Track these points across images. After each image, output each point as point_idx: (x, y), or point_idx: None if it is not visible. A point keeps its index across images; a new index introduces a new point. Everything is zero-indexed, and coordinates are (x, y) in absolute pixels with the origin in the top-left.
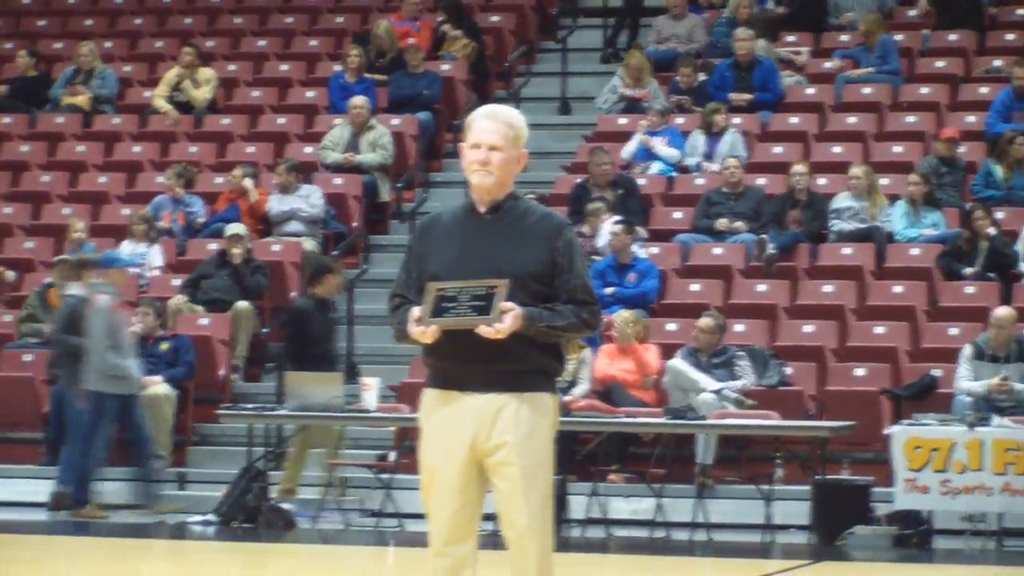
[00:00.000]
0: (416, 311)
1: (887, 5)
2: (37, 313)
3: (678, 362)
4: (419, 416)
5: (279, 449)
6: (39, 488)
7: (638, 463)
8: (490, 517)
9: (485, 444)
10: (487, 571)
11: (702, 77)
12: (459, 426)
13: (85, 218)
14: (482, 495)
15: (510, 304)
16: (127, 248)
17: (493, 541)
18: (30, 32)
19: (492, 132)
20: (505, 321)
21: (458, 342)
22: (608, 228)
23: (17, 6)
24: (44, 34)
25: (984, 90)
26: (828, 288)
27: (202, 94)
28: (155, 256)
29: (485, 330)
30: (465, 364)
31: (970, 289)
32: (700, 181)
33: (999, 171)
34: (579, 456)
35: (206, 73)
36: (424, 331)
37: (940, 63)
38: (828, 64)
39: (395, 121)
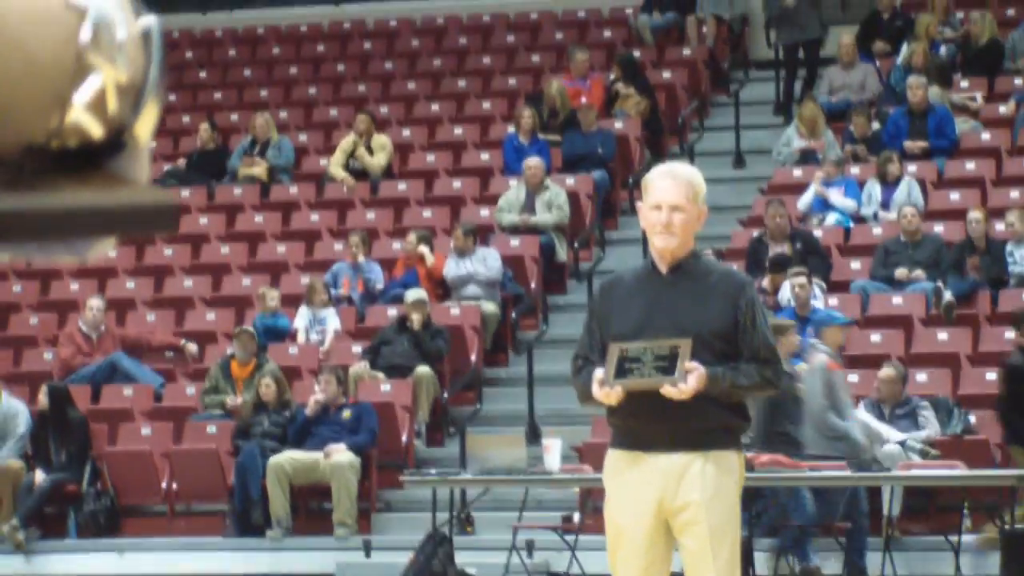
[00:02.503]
0: (599, 372)
1: None
2: (220, 385)
3: (861, 413)
4: (604, 477)
5: (464, 513)
6: (225, 559)
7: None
8: None
9: (672, 503)
10: None
11: (876, 126)
12: (645, 486)
13: (266, 287)
14: (669, 555)
15: (694, 364)
16: (304, 314)
17: None
18: (207, 105)
19: (673, 192)
20: (689, 381)
21: (642, 402)
22: (790, 283)
23: (194, 79)
24: (220, 106)
25: None
26: (1010, 334)
27: (377, 160)
28: (334, 322)
29: (669, 390)
30: (650, 424)
31: None
32: (877, 231)
33: None
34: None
35: (381, 139)
36: (608, 392)
37: None
38: (1003, 108)
39: (570, 180)
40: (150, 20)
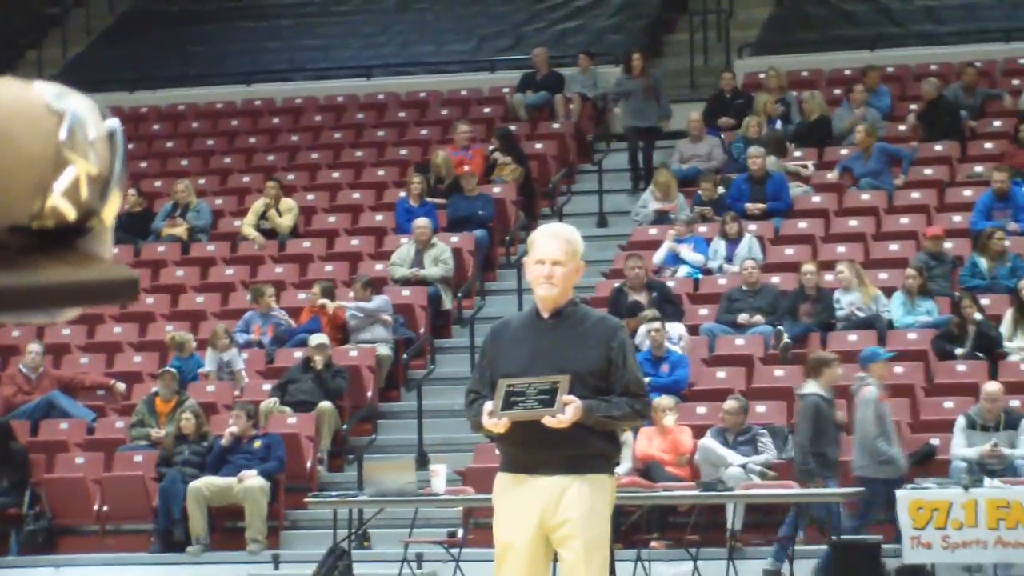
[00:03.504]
0: (489, 405)
1: (879, 124)
2: (145, 419)
3: (708, 441)
4: (493, 496)
5: (361, 530)
6: (150, 572)
7: (676, 531)
8: None
9: (552, 520)
10: None
11: (721, 190)
12: (529, 505)
13: (181, 333)
14: (548, 566)
15: (571, 397)
16: (212, 358)
17: None
18: (133, 173)
19: (554, 248)
20: (567, 412)
21: (526, 431)
22: (645, 328)
23: None
24: (146, 174)
25: (968, 192)
26: (838, 371)
27: (285, 221)
28: (238, 362)
29: (549, 420)
30: (533, 450)
31: (961, 367)
32: (722, 281)
33: (983, 263)
34: (624, 526)
35: (288, 203)
36: (496, 423)
37: (928, 170)
38: (831, 175)
39: (454, 238)
40: (114, 122)
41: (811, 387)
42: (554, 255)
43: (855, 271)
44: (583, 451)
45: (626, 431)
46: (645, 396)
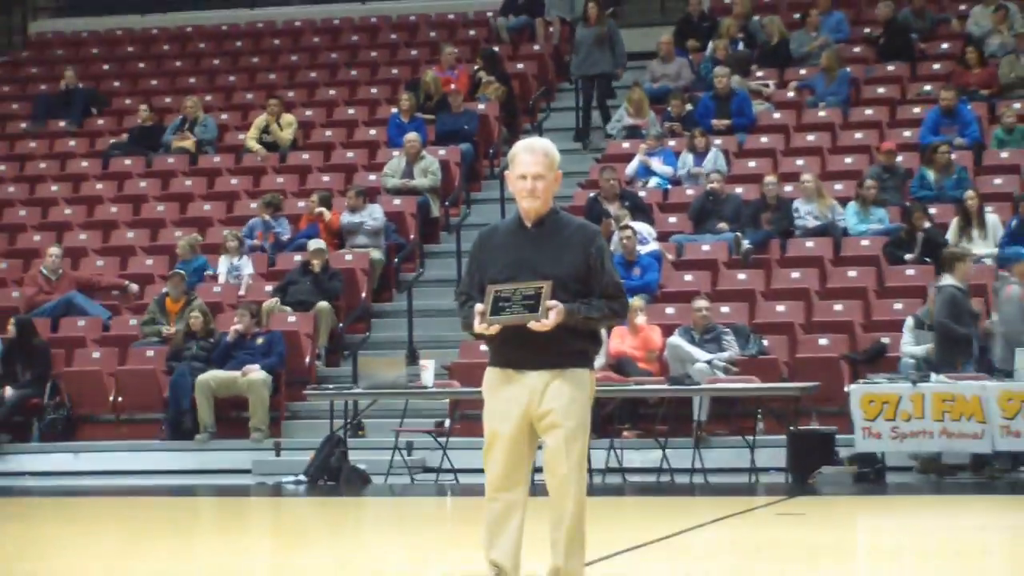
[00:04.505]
0: (479, 307)
1: (835, 47)
2: (156, 317)
3: (676, 339)
4: (483, 390)
5: (356, 420)
6: (161, 458)
7: (646, 422)
8: (538, 471)
9: (536, 410)
10: (533, 513)
11: (689, 107)
12: (516, 397)
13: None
14: (532, 452)
15: (554, 302)
16: (223, 262)
17: (535, 490)
18: (145, 90)
19: (534, 163)
20: (551, 316)
21: (514, 332)
22: (617, 235)
23: (134, 70)
24: (156, 91)
25: (917, 110)
26: (795, 275)
27: (285, 135)
28: (247, 267)
29: (534, 325)
30: (520, 349)
31: (911, 272)
32: (690, 191)
33: (931, 175)
34: (598, 419)
35: (288, 118)
36: (487, 328)
37: (881, 89)
38: (790, 93)
39: (442, 152)
40: None
41: (947, 280)
42: (535, 170)
43: (816, 183)
44: (565, 349)
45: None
46: (622, 297)
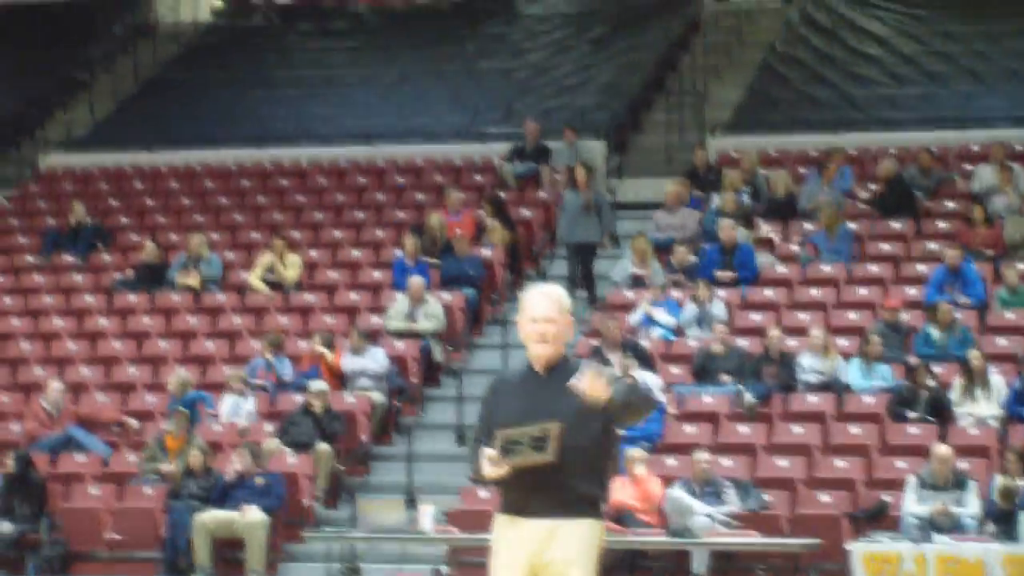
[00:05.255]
0: (488, 451)
1: (842, 200)
2: (156, 455)
3: (676, 491)
4: (492, 536)
5: (353, 564)
6: None
7: (645, 574)
8: None
9: (541, 560)
10: None
11: (693, 258)
12: (521, 544)
13: (193, 376)
14: None
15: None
16: (228, 401)
17: None
18: (151, 226)
19: (546, 307)
20: (585, 380)
21: (521, 477)
22: None
23: (141, 206)
24: (163, 228)
25: (922, 267)
26: (798, 429)
27: (290, 275)
28: (249, 406)
29: (580, 386)
30: (526, 494)
31: (914, 430)
32: (693, 343)
33: (935, 333)
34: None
35: (293, 258)
36: (496, 470)
37: (885, 246)
38: (795, 248)
39: (445, 296)
40: None
41: None
42: (547, 314)
43: (825, 338)
44: (573, 495)
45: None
46: (645, 396)
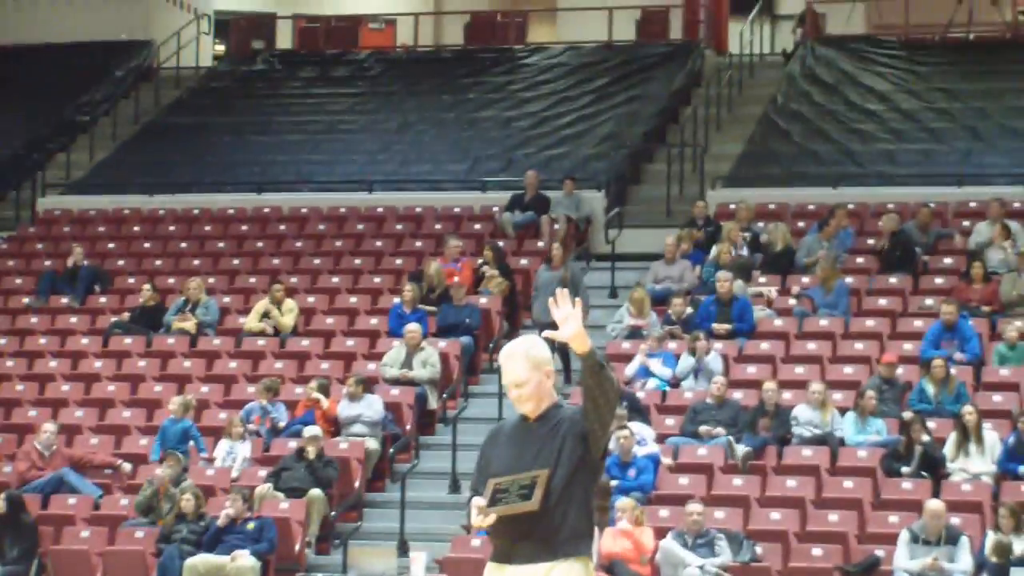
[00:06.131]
0: (477, 500)
1: (842, 256)
2: (150, 499)
3: (669, 542)
4: None
5: None
6: None
7: None
8: None
9: None
10: None
11: (690, 310)
12: None
13: (190, 420)
14: None
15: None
16: (224, 446)
17: None
18: (149, 270)
19: (514, 372)
20: (568, 324)
21: (508, 524)
22: (615, 435)
23: (139, 249)
24: (160, 272)
25: (918, 323)
26: (791, 483)
27: (286, 321)
28: (245, 451)
29: (553, 335)
30: (513, 541)
31: (907, 485)
32: (688, 395)
33: (930, 389)
34: None
35: (290, 304)
36: (482, 518)
37: (883, 301)
38: (792, 301)
39: (442, 344)
40: None
41: None
42: (516, 378)
43: (824, 393)
44: (559, 538)
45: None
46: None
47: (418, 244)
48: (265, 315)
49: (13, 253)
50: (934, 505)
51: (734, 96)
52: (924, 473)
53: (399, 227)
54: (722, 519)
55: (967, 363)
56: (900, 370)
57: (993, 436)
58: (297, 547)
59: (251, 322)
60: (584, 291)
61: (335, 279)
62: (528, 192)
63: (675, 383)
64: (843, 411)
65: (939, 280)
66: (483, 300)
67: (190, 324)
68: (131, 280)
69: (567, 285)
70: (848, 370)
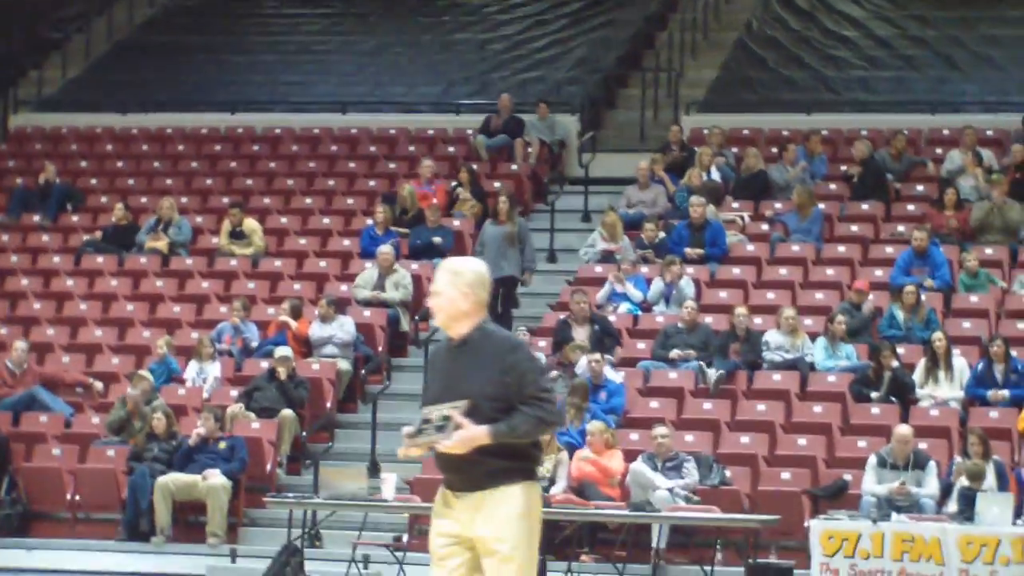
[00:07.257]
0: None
1: (811, 183)
2: (121, 418)
3: (638, 465)
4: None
5: (314, 530)
6: (116, 559)
7: (605, 547)
8: None
9: (469, 534)
10: None
11: (663, 235)
12: (449, 519)
13: (159, 338)
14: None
15: (464, 421)
16: (194, 365)
17: None
18: (122, 189)
19: (437, 281)
20: (453, 438)
21: (440, 456)
22: (586, 359)
23: (112, 168)
24: (132, 191)
25: (889, 249)
26: (761, 407)
27: (255, 242)
28: (215, 371)
29: (439, 446)
30: (449, 471)
31: (876, 410)
32: (659, 319)
33: (900, 315)
34: (557, 541)
35: (252, 225)
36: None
37: (854, 227)
38: (765, 226)
39: (414, 266)
40: None
41: None
42: (435, 287)
43: (796, 318)
44: (487, 468)
45: (556, 450)
46: (547, 401)
47: (391, 166)
48: (232, 233)
49: None
50: (902, 430)
51: (710, 21)
52: (893, 398)
53: (372, 149)
54: (692, 442)
55: (937, 290)
56: (871, 296)
57: (962, 362)
58: (268, 467)
59: (223, 240)
60: (531, 247)
61: (308, 200)
62: (502, 115)
63: (647, 307)
64: (813, 337)
65: (911, 207)
66: (456, 222)
67: (162, 244)
68: (103, 199)
69: (514, 241)
70: (819, 296)
